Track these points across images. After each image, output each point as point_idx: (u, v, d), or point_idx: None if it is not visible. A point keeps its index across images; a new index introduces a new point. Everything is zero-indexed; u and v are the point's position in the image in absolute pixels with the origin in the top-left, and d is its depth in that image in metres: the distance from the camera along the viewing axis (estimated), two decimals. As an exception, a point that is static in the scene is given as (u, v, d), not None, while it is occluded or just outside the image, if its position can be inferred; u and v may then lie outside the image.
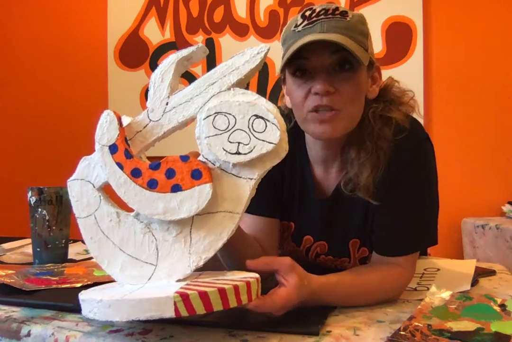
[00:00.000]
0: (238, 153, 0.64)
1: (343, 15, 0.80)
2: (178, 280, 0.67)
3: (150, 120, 0.69)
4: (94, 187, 0.71)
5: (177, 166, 0.65)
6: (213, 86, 0.67)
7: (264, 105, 0.65)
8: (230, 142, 0.65)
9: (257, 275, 0.67)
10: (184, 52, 0.69)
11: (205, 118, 0.65)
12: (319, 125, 0.81)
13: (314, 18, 0.80)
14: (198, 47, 0.69)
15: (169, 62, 0.69)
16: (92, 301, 0.62)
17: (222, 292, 0.59)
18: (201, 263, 0.67)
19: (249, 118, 0.64)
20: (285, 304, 0.67)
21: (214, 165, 0.66)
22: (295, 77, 0.83)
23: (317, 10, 0.80)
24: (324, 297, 0.74)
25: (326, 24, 0.79)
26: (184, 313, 0.57)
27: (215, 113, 0.65)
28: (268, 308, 0.65)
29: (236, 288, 0.60)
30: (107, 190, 0.71)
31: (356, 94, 0.82)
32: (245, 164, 0.65)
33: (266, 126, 0.64)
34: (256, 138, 0.64)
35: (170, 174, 0.65)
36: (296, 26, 0.81)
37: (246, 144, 0.64)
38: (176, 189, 0.65)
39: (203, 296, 0.58)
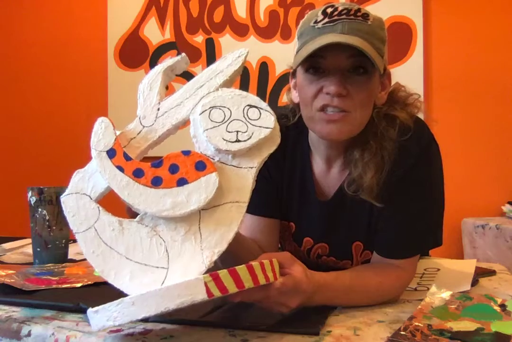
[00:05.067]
0: (238, 141, 0.67)
1: (365, 18, 0.79)
2: None
3: (143, 126, 0.70)
4: (91, 198, 0.69)
5: (180, 161, 0.66)
6: (202, 88, 0.70)
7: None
8: (229, 132, 0.67)
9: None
10: (169, 61, 0.73)
11: (201, 113, 0.68)
12: (326, 125, 0.80)
13: (336, 17, 0.78)
14: (182, 56, 0.73)
15: (156, 72, 0.73)
16: (110, 307, 0.60)
17: (250, 268, 0.60)
18: (214, 257, 0.65)
19: (243, 108, 0.68)
20: (303, 284, 0.68)
21: (214, 159, 0.68)
22: (307, 74, 0.82)
23: (339, 8, 0.79)
24: (326, 292, 0.74)
25: (347, 25, 0.78)
26: (216, 293, 0.57)
27: (210, 107, 0.68)
28: (294, 284, 0.67)
29: (262, 264, 0.63)
30: (103, 203, 0.70)
31: (367, 100, 0.81)
32: (243, 154, 0.68)
33: (260, 114, 0.68)
34: (253, 125, 0.67)
35: (173, 169, 0.66)
36: (316, 22, 0.80)
37: (244, 132, 0.67)
38: (182, 182, 0.66)
39: (233, 273, 0.58)
